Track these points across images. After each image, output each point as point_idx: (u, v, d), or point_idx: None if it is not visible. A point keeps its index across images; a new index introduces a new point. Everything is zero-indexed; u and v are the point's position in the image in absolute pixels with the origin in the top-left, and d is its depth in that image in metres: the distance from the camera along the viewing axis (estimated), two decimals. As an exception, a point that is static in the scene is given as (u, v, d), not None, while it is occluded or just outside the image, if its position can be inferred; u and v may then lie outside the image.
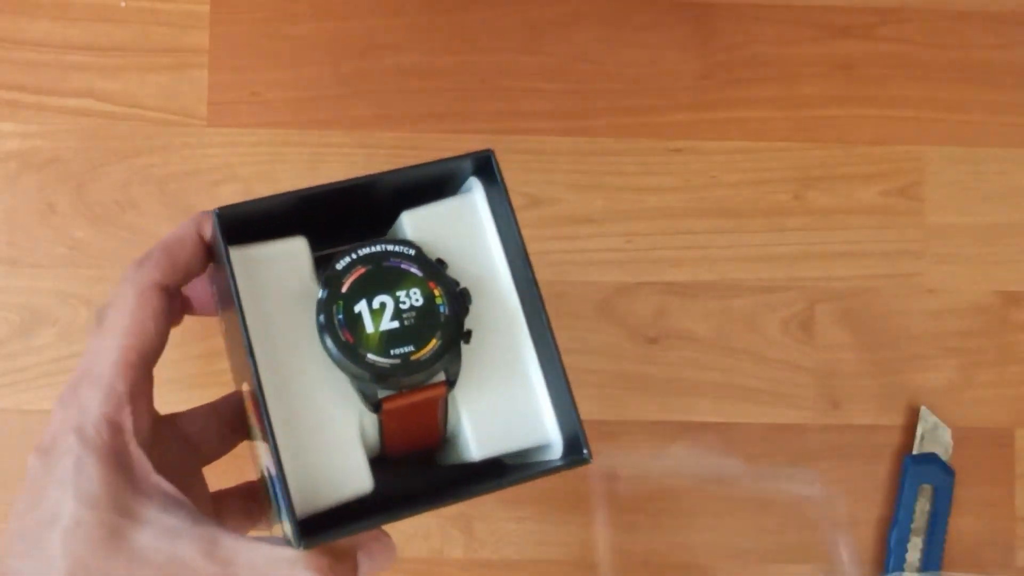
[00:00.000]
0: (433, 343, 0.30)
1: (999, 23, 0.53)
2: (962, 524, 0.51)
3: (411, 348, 0.30)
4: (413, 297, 0.31)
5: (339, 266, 0.31)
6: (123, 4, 0.51)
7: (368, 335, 0.30)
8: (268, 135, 0.51)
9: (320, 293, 0.31)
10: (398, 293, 0.31)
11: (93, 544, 0.29)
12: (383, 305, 0.31)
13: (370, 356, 0.30)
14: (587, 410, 0.53)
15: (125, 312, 0.32)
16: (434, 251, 0.33)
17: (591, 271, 0.51)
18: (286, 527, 0.30)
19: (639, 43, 0.52)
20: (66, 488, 0.29)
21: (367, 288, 0.31)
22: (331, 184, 0.33)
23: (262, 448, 0.32)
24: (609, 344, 0.51)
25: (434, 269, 0.32)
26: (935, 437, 0.50)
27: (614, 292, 0.51)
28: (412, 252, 0.32)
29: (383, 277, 0.31)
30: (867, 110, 0.52)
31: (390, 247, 0.32)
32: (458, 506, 0.51)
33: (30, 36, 0.51)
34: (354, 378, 0.31)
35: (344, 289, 0.31)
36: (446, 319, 0.31)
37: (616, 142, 0.52)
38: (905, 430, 0.51)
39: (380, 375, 0.30)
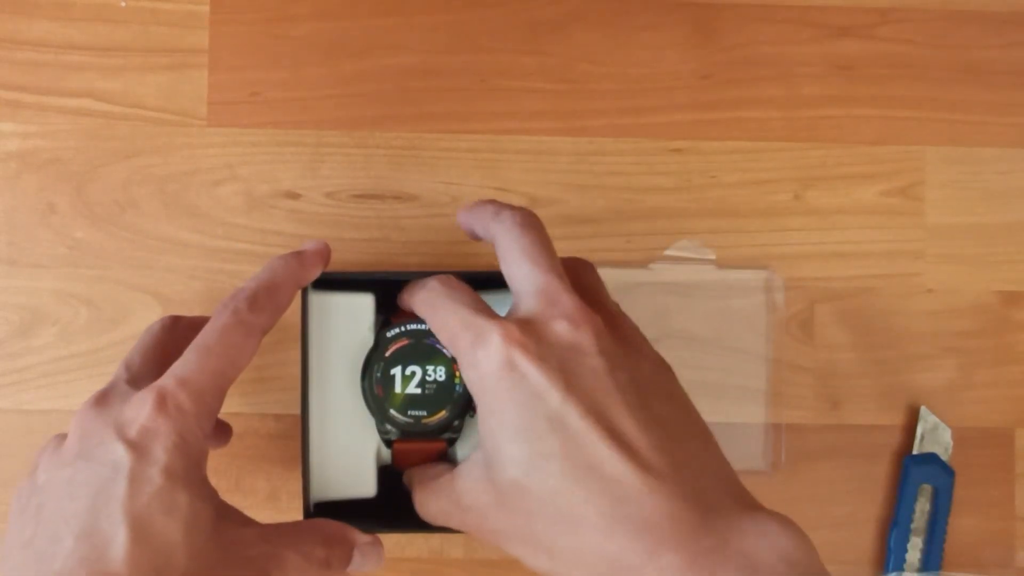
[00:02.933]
0: (442, 413, 0.38)
1: (999, 23, 0.53)
2: (962, 524, 0.51)
3: (424, 413, 0.38)
4: (438, 373, 0.38)
5: (390, 334, 0.38)
6: (123, 4, 0.51)
7: (395, 394, 0.38)
8: (268, 135, 0.51)
9: (370, 348, 0.39)
10: (428, 367, 0.38)
11: (201, 535, 0.33)
12: (413, 374, 0.38)
13: (392, 411, 0.38)
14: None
15: (231, 345, 0.36)
16: None
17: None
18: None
19: (639, 43, 0.52)
20: (177, 481, 0.33)
21: (405, 357, 0.38)
22: (403, 274, 0.41)
23: None
24: (609, 344, 0.51)
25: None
26: (935, 437, 0.50)
27: (614, 292, 0.51)
28: None
29: (420, 351, 0.38)
30: (867, 110, 0.52)
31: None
32: (458, 506, 0.50)
33: (30, 36, 0.51)
34: (376, 419, 0.39)
35: (388, 353, 0.38)
36: (457, 396, 0.38)
37: (616, 142, 0.52)
38: (905, 430, 0.51)
39: (395, 426, 0.38)
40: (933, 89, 0.53)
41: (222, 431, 0.47)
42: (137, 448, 0.33)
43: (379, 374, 0.38)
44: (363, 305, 0.40)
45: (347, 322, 0.40)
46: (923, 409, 0.51)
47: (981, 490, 0.51)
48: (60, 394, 0.50)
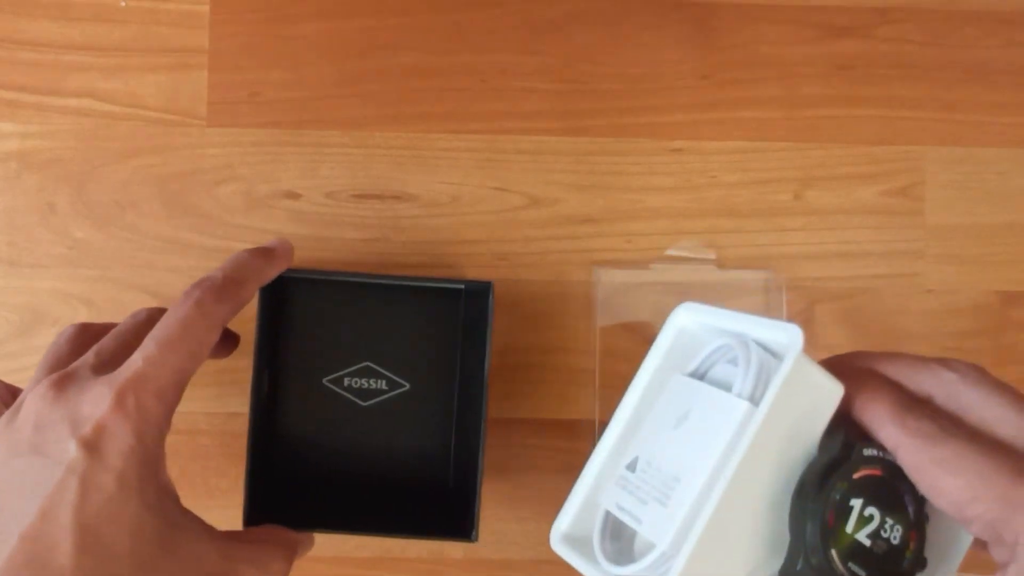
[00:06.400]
0: None
1: (999, 23, 0.53)
2: (962, 524, 0.51)
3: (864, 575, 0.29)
4: (894, 532, 0.29)
5: (867, 452, 0.29)
6: (123, 4, 0.51)
7: (844, 533, 0.29)
8: (268, 135, 0.51)
9: (830, 457, 0.29)
10: (887, 518, 0.29)
11: (150, 546, 0.32)
12: (871, 518, 0.29)
13: (832, 551, 0.28)
14: (588, 409, 0.53)
15: (194, 339, 0.34)
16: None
17: (591, 271, 0.51)
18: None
19: (639, 43, 0.52)
20: (130, 490, 0.31)
21: (870, 492, 0.29)
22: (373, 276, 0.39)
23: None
24: (610, 344, 0.51)
25: (923, 521, 0.30)
26: (935, 437, 0.50)
27: (614, 292, 0.51)
28: (920, 493, 0.30)
29: (886, 493, 0.29)
30: (867, 110, 0.52)
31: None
32: (458, 506, 0.51)
33: (30, 36, 0.51)
34: (800, 551, 0.28)
35: (856, 476, 0.29)
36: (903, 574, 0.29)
37: (616, 142, 0.52)
38: (905, 430, 0.51)
39: (822, 572, 0.28)
40: (933, 89, 0.53)
41: (228, 340, 0.45)
42: (92, 449, 0.32)
43: (837, 496, 0.28)
44: (830, 396, 0.30)
45: (804, 408, 0.29)
46: (923, 409, 0.51)
47: (981, 490, 0.51)
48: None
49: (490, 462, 0.51)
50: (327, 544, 0.50)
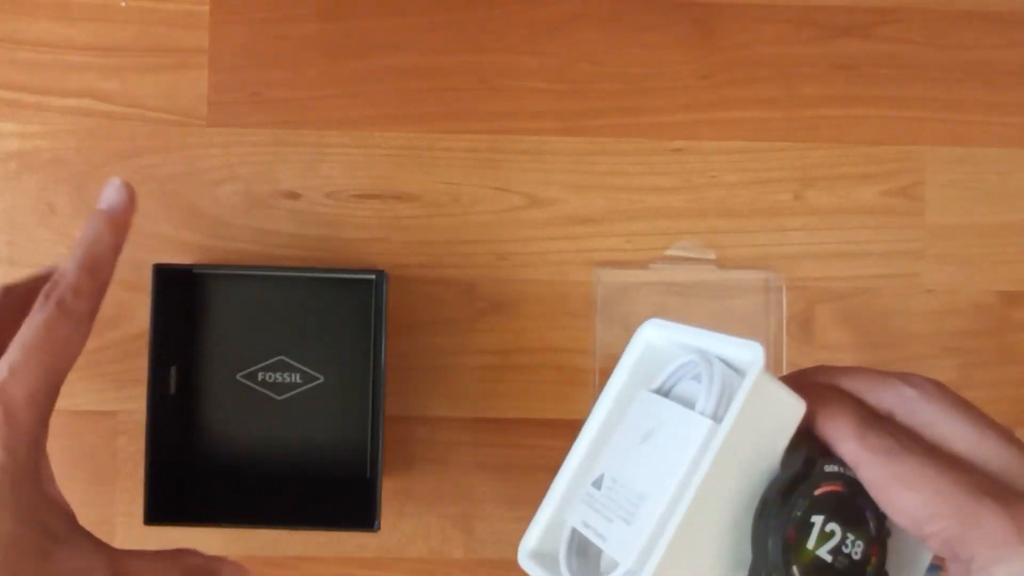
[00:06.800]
0: None
1: (999, 23, 0.53)
2: (962, 524, 0.51)
3: None
4: (855, 547, 0.29)
5: (828, 469, 0.29)
6: (123, 4, 0.51)
7: (805, 549, 0.28)
8: (268, 135, 0.51)
9: (790, 474, 0.29)
10: (849, 533, 0.29)
11: (27, 561, 0.30)
12: (832, 533, 0.29)
13: (794, 568, 0.28)
14: (588, 409, 0.53)
15: (61, 341, 0.33)
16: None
17: (591, 271, 0.51)
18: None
19: (639, 43, 0.52)
20: (5, 505, 0.30)
21: (831, 508, 0.29)
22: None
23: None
24: (609, 344, 0.51)
25: (884, 536, 0.30)
26: (935, 437, 0.50)
27: (614, 292, 0.51)
28: (880, 509, 0.30)
29: (848, 508, 0.29)
30: (867, 110, 0.52)
31: None
32: (458, 506, 0.51)
33: (30, 36, 0.51)
34: (762, 567, 0.29)
35: (817, 493, 0.29)
36: None
37: (616, 142, 0.52)
38: (905, 430, 0.51)
39: None
40: (933, 89, 0.53)
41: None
42: None
43: (799, 513, 0.28)
44: (792, 413, 0.30)
45: (766, 425, 0.29)
46: (923, 409, 0.51)
47: (981, 490, 0.51)
48: (60, 394, 0.49)
49: (490, 462, 0.51)
50: (328, 544, 0.51)
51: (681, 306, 0.51)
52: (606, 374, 0.51)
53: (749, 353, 0.29)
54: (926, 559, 0.31)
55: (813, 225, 0.52)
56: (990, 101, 0.53)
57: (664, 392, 0.32)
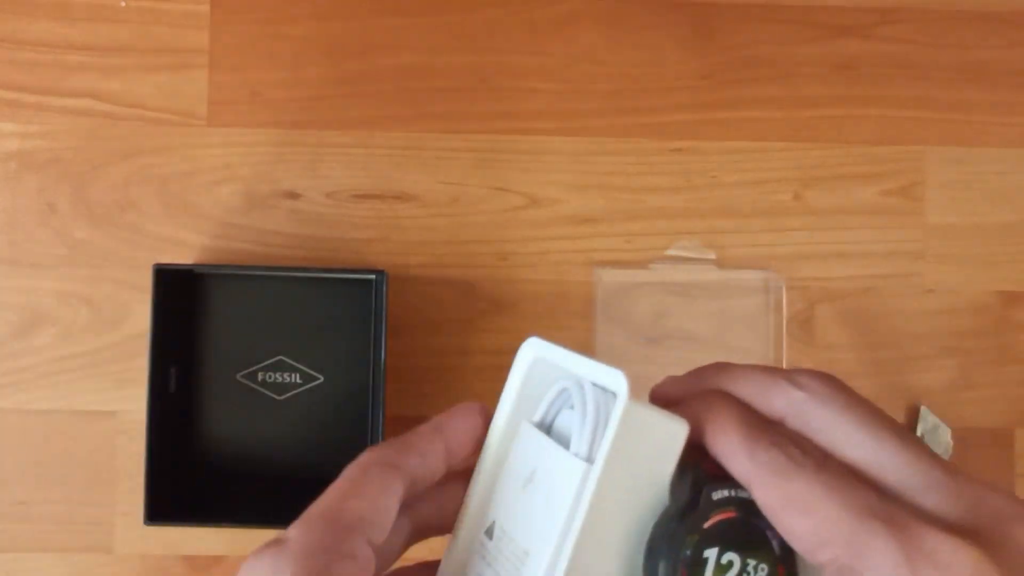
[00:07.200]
0: None
1: (999, 23, 0.53)
2: (962, 524, 0.51)
3: None
4: (759, 572, 0.26)
5: (716, 496, 0.27)
6: (123, 4, 0.51)
7: None
8: (268, 135, 0.51)
9: (678, 508, 0.27)
10: (748, 560, 0.26)
11: None
12: (730, 564, 0.26)
13: None
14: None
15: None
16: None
17: (591, 271, 0.51)
18: None
19: (639, 43, 0.52)
20: None
21: (726, 537, 0.26)
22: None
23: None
24: (609, 344, 0.51)
25: (790, 554, 0.27)
26: (935, 437, 0.50)
27: (614, 292, 0.51)
28: None
29: (745, 533, 0.27)
30: (867, 110, 0.52)
31: None
32: (458, 506, 0.51)
33: (30, 36, 0.51)
34: None
35: (707, 525, 0.26)
36: None
37: (616, 142, 0.52)
38: (905, 430, 0.51)
39: None
40: (933, 89, 0.53)
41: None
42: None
43: (689, 551, 0.26)
44: (675, 436, 0.27)
45: (646, 455, 0.27)
46: (923, 409, 0.51)
47: (981, 490, 0.51)
48: (60, 394, 0.50)
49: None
50: (327, 544, 0.51)
51: (681, 306, 0.51)
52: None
53: (613, 382, 0.27)
54: None
55: (813, 225, 0.52)
56: (990, 101, 0.53)
57: (547, 423, 0.30)
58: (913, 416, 0.51)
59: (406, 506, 0.29)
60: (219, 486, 0.49)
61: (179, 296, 0.48)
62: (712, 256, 0.51)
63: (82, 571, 0.49)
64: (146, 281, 0.45)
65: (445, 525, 0.30)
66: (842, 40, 0.52)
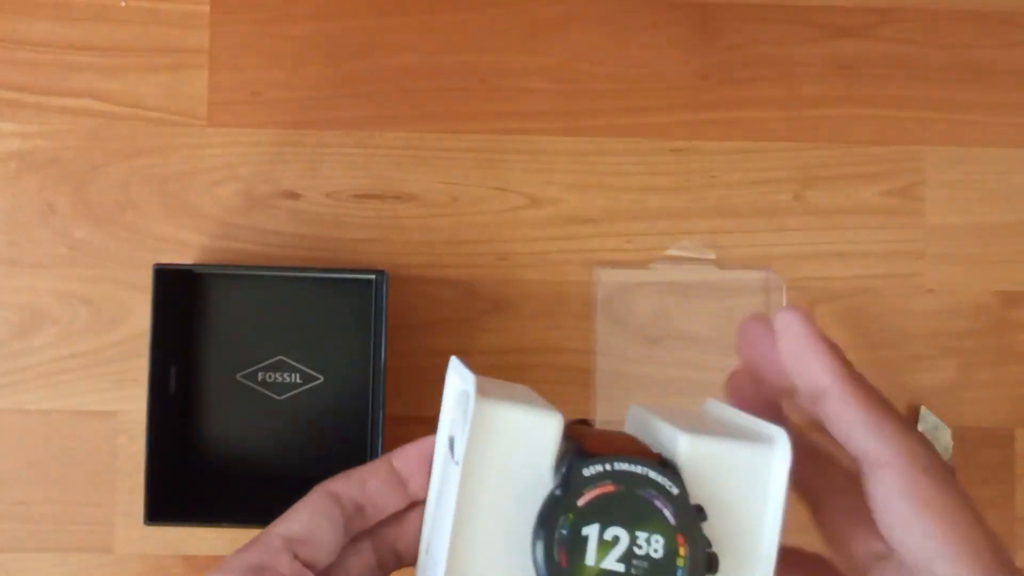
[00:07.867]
0: None
1: (999, 23, 0.53)
2: (962, 524, 0.51)
3: None
4: (653, 544, 0.26)
5: (587, 472, 0.26)
6: (123, 4, 0.51)
7: (586, 568, 0.25)
8: (268, 135, 0.51)
9: (554, 489, 0.26)
10: (638, 533, 0.26)
11: None
12: (616, 539, 0.25)
13: None
14: (588, 410, 0.53)
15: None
16: (698, 495, 0.27)
17: (591, 271, 0.51)
18: None
19: (639, 43, 0.52)
20: None
21: (607, 512, 0.26)
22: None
23: None
24: (609, 344, 0.51)
25: (690, 521, 0.26)
26: (935, 437, 0.50)
27: (614, 292, 0.51)
28: (676, 491, 0.26)
29: (630, 506, 0.26)
30: (867, 110, 0.52)
31: (653, 474, 0.26)
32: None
33: (30, 36, 0.51)
34: None
35: (581, 502, 0.26)
36: None
37: (616, 142, 0.52)
38: (905, 430, 0.51)
39: None
40: (933, 89, 0.53)
41: None
42: None
43: (565, 530, 0.25)
44: (544, 428, 0.27)
45: (516, 450, 0.27)
46: (923, 409, 0.51)
47: (981, 490, 0.51)
48: (60, 394, 0.50)
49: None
50: (327, 544, 0.51)
51: (681, 306, 0.51)
52: (606, 374, 0.51)
53: (469, 388, 0.27)
54: (774, 527, 0.29)
55: (813, 225, 0.52)
56: (990, 101, 0.53)
57: (452, 439, 0.30)
58: (913, 416, 0.51)
59: (368, 532, 0.31)
60: (219, 486, 0.49)
61: (179, 296, 0.48)
62: (712, 256, 0.51)
63: (82, 571, 0.49)
64: (146, 281, 0.45)
65: (411, 552, 0.31)
66: (842, 40, 0.52)
